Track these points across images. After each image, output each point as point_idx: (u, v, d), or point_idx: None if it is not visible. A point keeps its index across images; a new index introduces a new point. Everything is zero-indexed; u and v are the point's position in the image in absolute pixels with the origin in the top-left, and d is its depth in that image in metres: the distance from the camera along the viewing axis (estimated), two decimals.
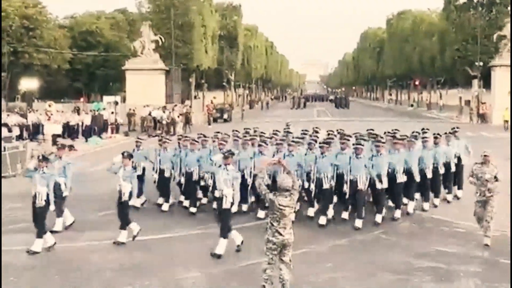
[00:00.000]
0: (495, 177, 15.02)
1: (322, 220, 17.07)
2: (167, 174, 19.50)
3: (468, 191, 17.99)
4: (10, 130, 41.32)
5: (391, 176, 17.62)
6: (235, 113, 73.83)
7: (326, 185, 17.30)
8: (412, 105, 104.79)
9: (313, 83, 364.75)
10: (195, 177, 19.03)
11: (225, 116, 67.08)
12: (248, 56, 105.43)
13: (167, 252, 14.66)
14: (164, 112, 50.75)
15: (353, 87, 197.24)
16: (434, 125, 38.18)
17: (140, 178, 18.88)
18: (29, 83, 64.17)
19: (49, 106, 46.28)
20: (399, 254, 14.37)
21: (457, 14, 71.65)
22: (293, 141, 18.38)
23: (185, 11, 67.19)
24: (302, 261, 12.92)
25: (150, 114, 50.75)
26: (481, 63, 65.00)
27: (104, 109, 51.05)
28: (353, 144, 17.96)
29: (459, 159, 20.58)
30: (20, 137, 40.49)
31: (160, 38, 57.46)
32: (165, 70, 58.05)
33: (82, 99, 76.11)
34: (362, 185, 16.88)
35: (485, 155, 15.24)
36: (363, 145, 17.82)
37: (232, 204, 14.29)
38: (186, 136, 21.31)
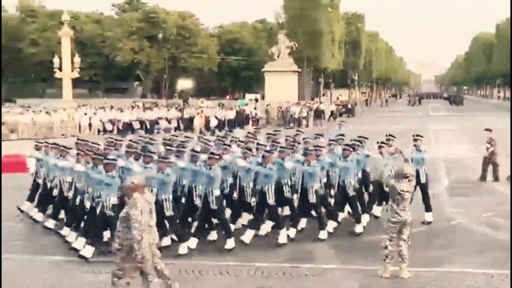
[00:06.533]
0: None
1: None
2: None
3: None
4: (169, 122, 43.29)
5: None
6: (357, 109, 73.23)
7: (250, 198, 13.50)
8: None
9: (427, 82, 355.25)
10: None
11: (350, 111, 66.87)
12: (370, 59, 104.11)
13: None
14: (297, 107, 51.16)
15: (464, 86, 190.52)
16: None
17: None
18: (184, 83, 66.61)
19: (201, 102, 47.67)
20: (502, 232, 13.98)
21: None
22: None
23: (315, 20, 67.40)
24: (417, 238, 12.85)
25: (286, 109, 51.27)
26: None
27: (246, 104, 52.06)
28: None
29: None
30: (177, 128, 42.36)
31: (294, 44, 57.79)
32: (298, 71, 58.42)
33: (228, 97, 77.92)
34: (271, 198, 12.85)
35: None
36: (271, 152, 13.29)
37: None
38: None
